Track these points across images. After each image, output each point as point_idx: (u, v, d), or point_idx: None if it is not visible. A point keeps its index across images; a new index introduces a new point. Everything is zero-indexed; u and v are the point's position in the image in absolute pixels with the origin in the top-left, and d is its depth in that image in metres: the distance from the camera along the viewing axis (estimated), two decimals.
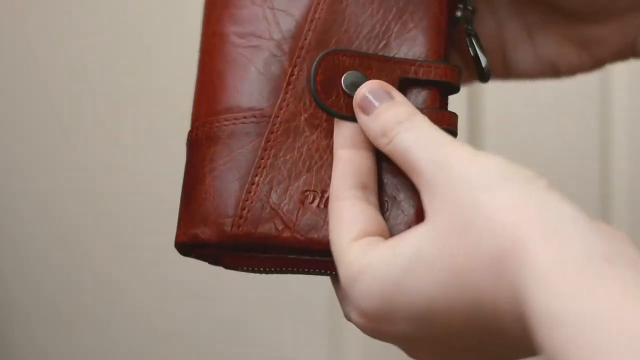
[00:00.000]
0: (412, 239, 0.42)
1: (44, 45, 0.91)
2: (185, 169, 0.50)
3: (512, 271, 0.37)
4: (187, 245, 0.48)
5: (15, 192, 0.92)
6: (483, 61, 0.51)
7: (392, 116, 0.45)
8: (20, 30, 0.91)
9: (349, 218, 0.44)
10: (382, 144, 0.45)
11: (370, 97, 0.46)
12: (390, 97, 0.46)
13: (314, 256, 0.47)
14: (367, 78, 0.47)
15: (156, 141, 0.91)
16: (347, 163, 0.46)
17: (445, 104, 0.49)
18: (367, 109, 0.46)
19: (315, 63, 0.48)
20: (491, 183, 0.40)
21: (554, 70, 0.56)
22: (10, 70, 0.91)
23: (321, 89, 0.48)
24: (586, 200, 0.91)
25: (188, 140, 0.50)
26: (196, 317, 0.90)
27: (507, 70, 0.57)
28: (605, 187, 0.91)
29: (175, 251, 0.49)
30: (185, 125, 0.51)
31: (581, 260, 0.36)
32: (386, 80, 0.47)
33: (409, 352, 0.45)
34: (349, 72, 0.48)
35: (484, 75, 0.52)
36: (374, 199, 0.46)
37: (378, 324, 0.43)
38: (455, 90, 0.49)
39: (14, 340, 0.93)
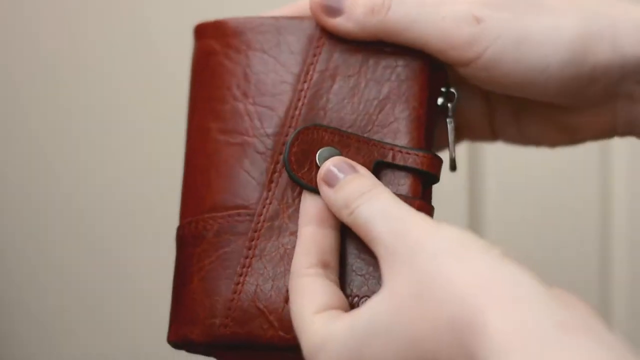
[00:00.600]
0: (367, 310, 0.43)
1: (43, 47, 0.91)
2: (175, 265, 0.51)
3: (470, 341, 0.38)
4: (179, 344, 0.50)
5: (13, 193, 0.93)
6: (452, 153, 0.52)
7: (355, 188, 0.46)
8: (20, 31, 0.91)
9: (310, 293, 0.45)
10: (344, 215, 0.46)
11: (335, 170, 0.47)
12: (355, 170, 0.47)
13: (299, 353, 0.47)
14: (342, 155, 0.48)
15: (154, 142, 0.91)
16: (310, 241, 0.46)
17: (427, 195, 0.49)
18: (330, 182, 0.47)
19: (294, 133, 0.48)
20: (449, 253, 0.41)
21: (537, 145, 0.57)
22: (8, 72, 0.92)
23: (295, 159, 0.48)
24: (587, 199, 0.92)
25: (176, 236, 0.51)
26: None
27: (494, 138, 0.58)
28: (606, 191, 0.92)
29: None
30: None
31: (538, 330, 0.36)
32: (362, 161, 0.48)
33: None
34: (325, 147, 0.48)
35: (450, 165, 0.52)
36: (334, 277, 0.46)
37: None
38: (434, 180, 0.49)
39: (12, 341, 0.95)
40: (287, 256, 0.48)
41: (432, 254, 0.41)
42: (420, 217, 0.44)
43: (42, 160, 0.93)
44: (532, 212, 0.91)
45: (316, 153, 0.48)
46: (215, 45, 0.51)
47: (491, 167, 0.91)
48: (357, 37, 0.49)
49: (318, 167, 0.48)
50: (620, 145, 0.90)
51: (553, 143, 0.55)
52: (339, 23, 0.49)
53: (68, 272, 0.94)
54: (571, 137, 0.54)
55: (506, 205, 0.91)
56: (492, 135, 0.57)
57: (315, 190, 0.47)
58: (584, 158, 0.90)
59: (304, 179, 0.48)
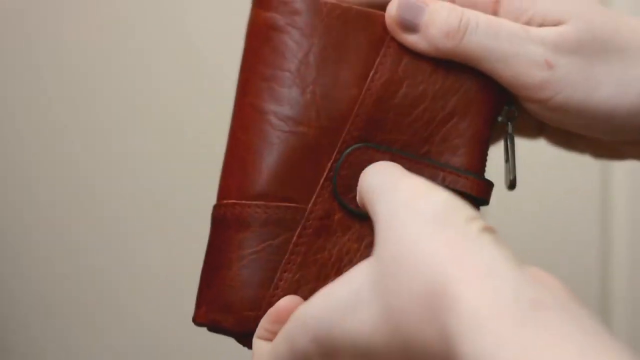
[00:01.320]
0: (353, 277, 0.43)
1: (42, 47, 0.89)
2: (209, 243, 0.49)
3: (443, 313, 0.38)
4: (205, 325, 0.49)
5: (14, 194, 0.92)
6: (512, 173, 0.51)
7: (371, 167, 0.47)
8: (19, 31, 0.89)
9: None
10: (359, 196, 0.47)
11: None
12: None
13: None
14: None
15: (153, 144, 0.89)
16: None
17: None
18: None
19: (343, 156, 0.48)
20: (430, 221, 0.41)
21: (580, 153, 0.58)
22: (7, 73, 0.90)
23: (342, 183, 0.48)
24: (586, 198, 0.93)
25: (214, 214, 0.49)
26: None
27: (537, 137, 0.58)
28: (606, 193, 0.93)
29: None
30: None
31: (511, 306, 0.36)
32: None
33: None
34: None
35: (510, 184, 0.52)
36: None
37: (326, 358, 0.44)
38: (483, 203, 0.49)
39: (13, 341, 0.93)
40: (332, 261, 0.48)
41: (413, 218, 0.41)
42: (415, 179, 0.44)
43: (56, 152, 0.91)
44: (532, 204, 0.92)
45: None
46: (280, 21, 0.49)
47: (492, 159, 0.91)
48: (430, 55, 0.49)
49: None
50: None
51: (598, 157, 0.58)
52: (413, 41, 0.49)
53: (80, 263, 0.92)
54: (618, 156, 0.57)
55: (506, 199, 0.92)
56: (537, 134, 0.58)
57: (363, 216, 0.47)
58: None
59: (352, 205, 0.48)
